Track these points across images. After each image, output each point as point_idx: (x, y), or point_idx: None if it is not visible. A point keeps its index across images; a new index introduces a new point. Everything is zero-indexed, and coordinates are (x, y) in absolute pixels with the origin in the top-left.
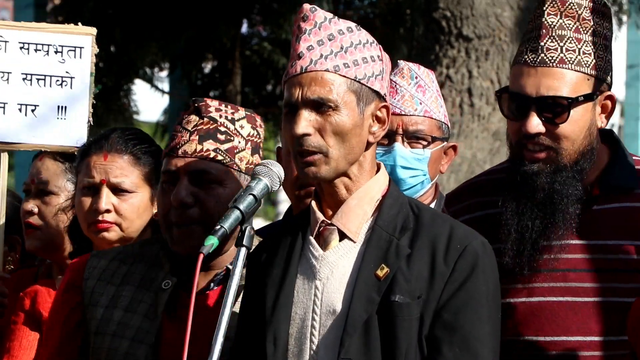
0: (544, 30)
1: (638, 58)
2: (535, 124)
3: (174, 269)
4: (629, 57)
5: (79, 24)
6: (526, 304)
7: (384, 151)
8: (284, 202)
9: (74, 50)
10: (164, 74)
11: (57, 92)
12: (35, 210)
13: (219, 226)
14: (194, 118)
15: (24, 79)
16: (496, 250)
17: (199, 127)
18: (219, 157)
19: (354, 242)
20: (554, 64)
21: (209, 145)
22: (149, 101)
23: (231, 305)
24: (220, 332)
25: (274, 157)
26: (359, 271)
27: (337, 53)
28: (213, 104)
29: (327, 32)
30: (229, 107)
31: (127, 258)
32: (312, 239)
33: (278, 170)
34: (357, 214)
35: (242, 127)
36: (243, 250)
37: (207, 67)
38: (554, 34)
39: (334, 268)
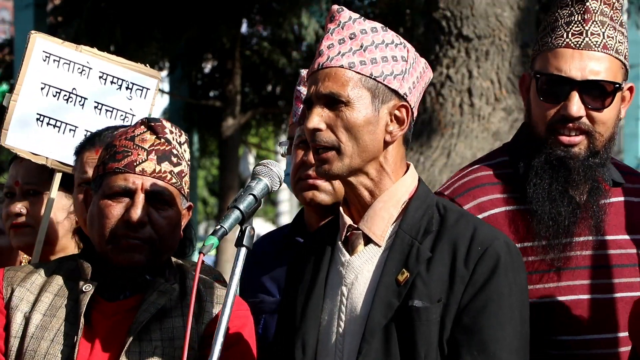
0: (588, 15)
1: (638, 58)
2: (578, 107)
3: (94, 276)
4: (629, 57)
5: (148, 66)
6: (563, 302)
7: None
8: (284, 202)
9: (141, 90)
10: (164, 73)
11: None
12: (24, 211)
13: (219, 226)
14: (149, 137)
15: (95, 107)
16: (524, 249)
17: (157, 147)
18: (173, 180)
19: (379, 247)
20: (599, 49)
21: (166, 166)
22: None
23: (231, 305)
24: (220, 332)
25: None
26: (381, 276)
27: (355, 51)
28: (167, 125)
29: (350, 31)
30: (177, 129)
31: (43, 271)
32: (340, 244)
33: (278, 170)
34: (383, 218)
35: (185, 151)
36: (243, 250)
37: (207, 67)
38: (596, 19)
39: (359, 273)
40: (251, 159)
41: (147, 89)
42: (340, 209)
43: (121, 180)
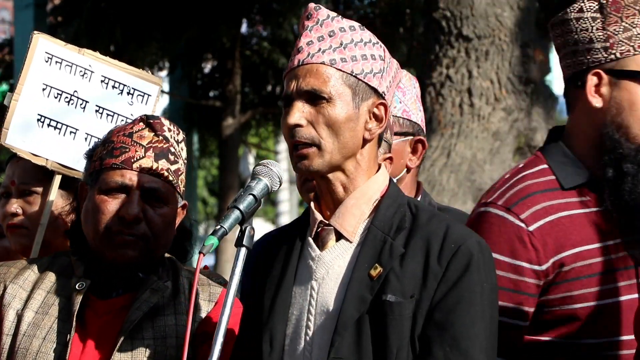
0: None
1: None
2: None
3: (87, 273)
4: None
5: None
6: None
7: None
8: (284, 202)
9: (142, 96)
10: (164, 73)
11: None
12: (20, 211)
13: (219, 226)
14: (147, 134)
15: (96, 111)
16: (591, 251)
17: (154, 145)
18: (170, 178)
19: (350, 243)
20: None
21: (163, 164)
22: None
23: (231, 305)
24: (220, 331)
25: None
26: (353, 271)
27: (335, 48)
28: (165, 122)
29: (329, 29)
30: (175, 127)
31: (36, 268)
32: (310, 239)
33: (278, 170)
34: (354, 214)
35: (182, 149)
36: (243, 250)
37: (207, 67)
38: None
39: (330, 268)
40: (251, 159)
41: (149, 95)
42: (311, 204)
43: (118, 176)
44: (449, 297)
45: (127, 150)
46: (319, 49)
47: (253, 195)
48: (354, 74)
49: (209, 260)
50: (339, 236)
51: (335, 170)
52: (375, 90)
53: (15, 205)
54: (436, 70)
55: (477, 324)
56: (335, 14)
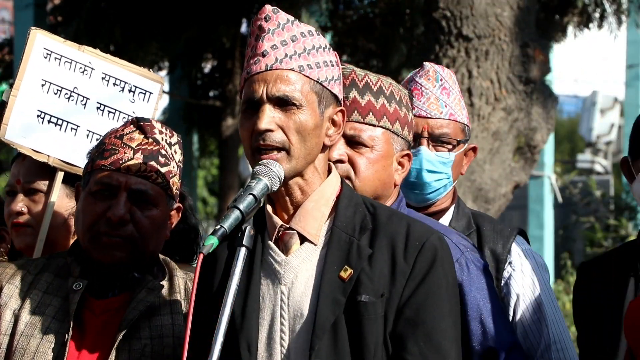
0: None
1: (638, 58)
2: None
3: (83, 274)
4: (629, 57)
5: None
6: None
7: (412, 152)
8: None
9: (144, 94)
10: (164, 73)
11: None
12: (25, 210)
13: (219, 226)
14: (137, 136)
15: (97, 108)
16: None
17: (144, 147)
18: (159, 180)
19: (315, 245)
20: None
21: (152, 166)
22: None
23: (231, 305)
24: (220, 332)
25: None
26: (323, 274)
27: (300, 54)
28: (157, 125)
29: (290, 34)
30: (168, 130)
31: (32, 268)
32: (272, 244)
33: (278, 170)
34: (315, 217)
35: (175, 152)
36: (243, 250)
37: (207, 67)
38: None
39: (298, 272)
40: None
41: (150, 92)
42: (267, 208)
43: (106, 177)
44: (418, 294)
45: (116, 152)
46: (286, 54)
47: (253, 195)
48: (319, 81)
49: None
50: (302, 239)
51: (297, 175)
52: (335, 97)
53: (20, 204)
54: None
55: (445, 318)
56: (292, 18)
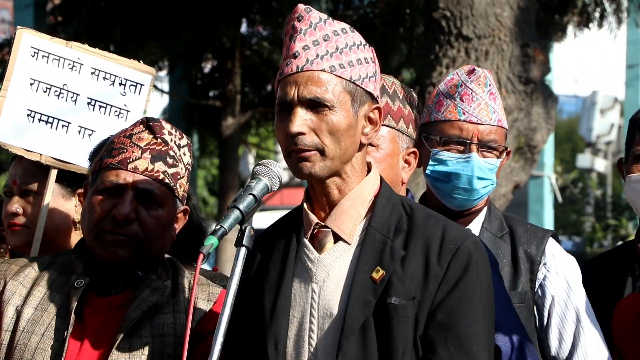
0: None
1: (638, 58)
2: None
3: (86, 271)
4: (629, 57)
5: (141, 61)
6: None
7: (459, 159)
8: None
9: (135, 86)
10: (164, 73)
11: (113, 122)
12: (20, 211)
13: (219, 226)
14: (146, 136)
15: (88, 104)
16: None
17: (152, 147)
18: (166, 180)
19: (349, 244)
20: None
21: (160, 166)
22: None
23: (231, 305)
24: (220, 331)
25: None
26: (355, 274)
27: (332, 54)
28: (166, 126)
29: (323, 33)
30: (178, 132)
31: (37, 265)
32: (306, 241)
33: (278, 170)
34: (351, 216)
35: (184, 154)
36: (243, 250)
37: (207, 67)
38: None
39: (330, 271)
40: (251, 159)
41: (142, 84)
42: (304, 206)
43: (113, 176)
44: (451, 298)
45: (125, 150)
46: (317, 55)
47: (253, 195)
48: (352, 80)
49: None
50: (337, 238)
51: (333, 175)
52: (370, 95)
53: (16, 205)
54: (436, 70)
55: (478, 323)
56: (325, 16)
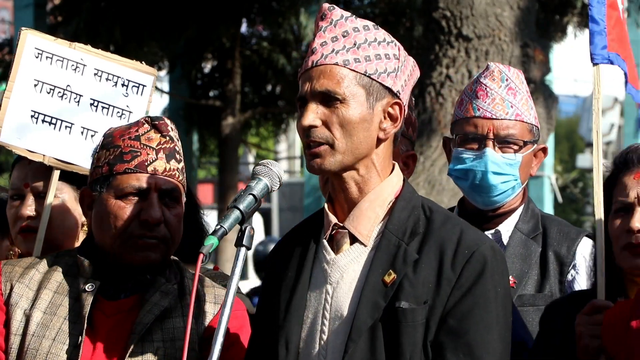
0: None
1: (638, 58)
2: None
3: (95, 274)
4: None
5: (142, 62)
6: None
7: (474, 156)
8: None
9: (137, 87)
10: (164, 73)
11: (115, 123)
12: (34, 214)
13: (219, 226)
14: (154, 136)
15: (91, 104)
16: None
17: (164, 146)
18: (180, 177)
19: (365, 246)
20: None
21: (174, 164)
22: None
23: (230, 306)
24: (220, 331)
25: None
26: (368, 276)
27: (349, 49)
28: (168, 122)
29: (342, 29)
30: (173, 125)
31: (41, 267)
32: (324, 242)
33: (278, 170)
34: (369, 217)
35: (181, 146)
36: (243, 250)
37: (207, 67)
38: None
39: (344, 272)
40: (251, 159)
41: (144, 85)
42: (325, 206)
43: (134, 180)
44: (463, 304)
45: (139, 153)
46: (332, 50)
47: (253, 195)
48: (367, 74)
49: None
50: (354, 239)
51: (348, 169)
52: (389, 90)
53: (30, 209)
54: (436, 70)
55: (491, 331)
56: (349, 14)
